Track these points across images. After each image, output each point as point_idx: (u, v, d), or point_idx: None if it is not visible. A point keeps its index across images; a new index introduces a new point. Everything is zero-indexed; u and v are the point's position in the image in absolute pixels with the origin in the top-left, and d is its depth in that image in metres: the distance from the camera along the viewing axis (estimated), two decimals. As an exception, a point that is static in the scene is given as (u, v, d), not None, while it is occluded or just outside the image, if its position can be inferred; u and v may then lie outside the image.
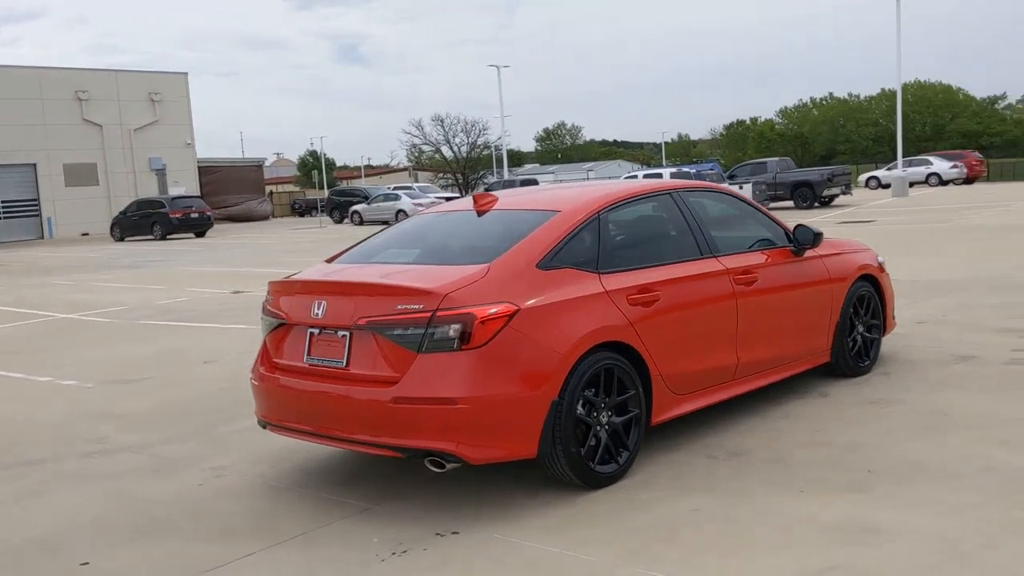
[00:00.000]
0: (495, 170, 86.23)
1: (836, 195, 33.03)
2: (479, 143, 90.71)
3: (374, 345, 4.71)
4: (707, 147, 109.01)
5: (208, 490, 5.41)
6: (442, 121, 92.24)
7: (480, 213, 5.64)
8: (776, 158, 37.27)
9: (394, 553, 4.29)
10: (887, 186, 41.63)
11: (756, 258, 6.11)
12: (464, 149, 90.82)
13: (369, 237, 6.03)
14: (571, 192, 5.98)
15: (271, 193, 71.10)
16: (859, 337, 6.98)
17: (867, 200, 34.90)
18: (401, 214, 43.51)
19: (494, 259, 4.88)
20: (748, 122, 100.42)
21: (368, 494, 5.11)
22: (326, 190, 67.65)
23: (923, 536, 4.04)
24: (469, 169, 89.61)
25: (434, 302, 4.55)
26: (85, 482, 5.69)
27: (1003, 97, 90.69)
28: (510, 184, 46.55)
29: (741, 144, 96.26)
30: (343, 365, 4.83)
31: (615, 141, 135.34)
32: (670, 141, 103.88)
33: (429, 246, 5.62)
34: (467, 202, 5.99)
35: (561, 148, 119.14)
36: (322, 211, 49.73)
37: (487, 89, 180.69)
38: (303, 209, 71.70)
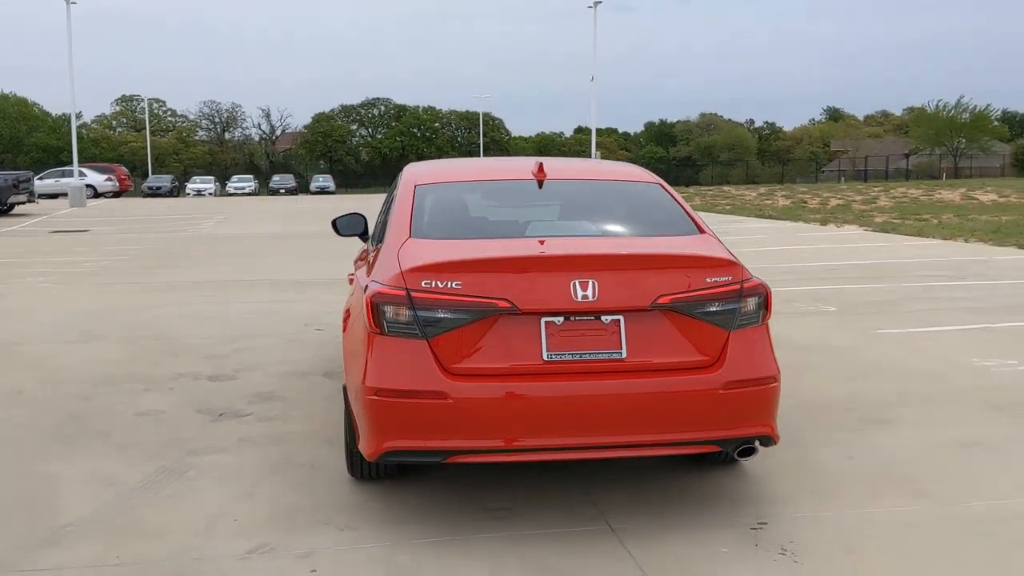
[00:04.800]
0: None
1: (22, 202, 30.33)
2: None
3: (668, 327, 3.99)
4: None
5: None
6: None
7: (541, 183, 4.92)
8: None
9: (782, 553, 3.85)
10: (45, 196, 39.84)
11: None
12: None
13: (418, 212, 4.57)
14: (612, 164, 5.75)
15: None
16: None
17: (53, 209, 32.69)
18: None
19: (699, 230, 4.54)
20: None
21: (579, 514, 4.22)
22: None
23: None
24: None
25: (739, 273, 4.13)
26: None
27: (80, 115, 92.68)
28: None
29: None
30: (622, 356, 3.93)
31: None
32: None
33: (588, 217, 4.77)
34: (513, 169, 5.29)
35: None
36: None
37: None
38: None
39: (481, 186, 5.11)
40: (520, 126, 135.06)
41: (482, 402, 3.85)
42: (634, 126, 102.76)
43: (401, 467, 4.59)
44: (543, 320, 3.92)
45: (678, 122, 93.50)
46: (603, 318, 3.95)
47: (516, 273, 3.97)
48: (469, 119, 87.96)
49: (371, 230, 6.61)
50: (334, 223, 6.70)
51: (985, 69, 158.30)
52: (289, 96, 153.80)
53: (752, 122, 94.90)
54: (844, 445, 5.19)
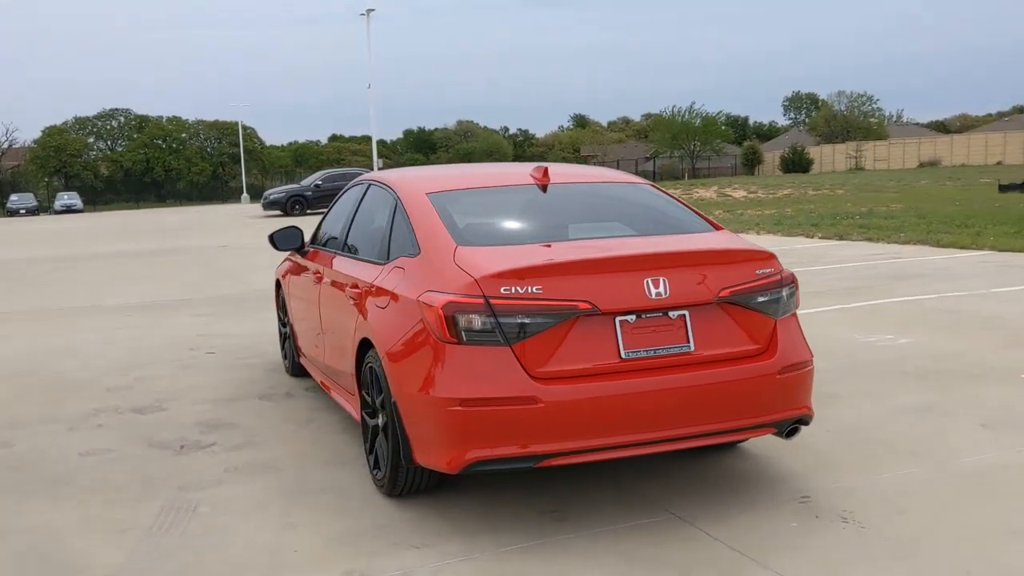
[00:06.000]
0: None
1: None
2: None
3: (725, 319, 4.19)
4: None
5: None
6: None
7: (544, 188, 4.96)
8: None
9: (845, 521, 4.15)
10: None
11: None
12: None
13: (448, 221, 4.48)
14: (596, 168, 5.83)
15: None
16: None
17: None
18: None
19: (715, 227, 4.78)
20: None
21: (632, 507, 4.31)
22: None
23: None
24: None
25: (777, 264, 4.40)
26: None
27: None
28: None
29: None
30: (691, 349, 4.09)
31: None
32: None
33: (619, 219, 4.85)
34: (510, 175, 5.31)
35: None
36: None
37: None
38: None
39: (492, 192, 5.06)
40: (273, 135, 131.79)
41: (573, 404, 3.87)
42: (392, 134, 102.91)
43: (441, 479, 4.49)
44: (617, 319, 4.00)
45: (436, 129, 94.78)
46: (670, 314, 4.08)
47: (595, 275, 4.02)
48: (219, 128, 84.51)
49: (306, 244, 6.39)
50: (271, 237, 6.43)
51: (714, 79, 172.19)
52: (14, 109, 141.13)
53: (507, 129, 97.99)
54: (816, 420, 5.59)
